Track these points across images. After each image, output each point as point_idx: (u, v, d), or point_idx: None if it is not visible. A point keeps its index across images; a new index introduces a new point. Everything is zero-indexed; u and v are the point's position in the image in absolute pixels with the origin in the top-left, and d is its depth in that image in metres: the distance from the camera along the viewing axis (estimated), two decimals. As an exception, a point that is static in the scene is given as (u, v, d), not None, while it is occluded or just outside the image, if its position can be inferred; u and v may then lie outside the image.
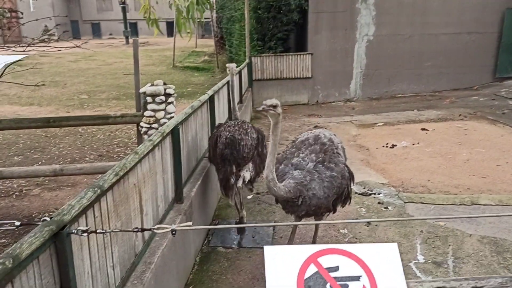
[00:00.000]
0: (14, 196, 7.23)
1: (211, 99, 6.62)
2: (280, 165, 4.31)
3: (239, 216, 5.73)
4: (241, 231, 5.73)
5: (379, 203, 6.54)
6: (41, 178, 7.69)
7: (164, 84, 6.72)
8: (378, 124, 11.33)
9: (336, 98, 14.80)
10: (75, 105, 14.81)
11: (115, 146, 10.06)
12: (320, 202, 4.12)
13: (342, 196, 4.44)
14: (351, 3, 14.27)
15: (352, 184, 4.55)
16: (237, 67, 8.46)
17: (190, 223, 2.26)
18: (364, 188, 7.13)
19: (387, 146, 9.30)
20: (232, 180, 5.30)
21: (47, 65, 24.56)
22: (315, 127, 11.30)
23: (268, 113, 3.70)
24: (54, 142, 10.46)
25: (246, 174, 5.33)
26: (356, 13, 14.35)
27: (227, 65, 6.52)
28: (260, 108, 3.70)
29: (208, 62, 26.20)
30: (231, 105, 6.37)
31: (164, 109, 6.69)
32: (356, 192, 6.95)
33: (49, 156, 9.33)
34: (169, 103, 6.73)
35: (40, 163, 8.85)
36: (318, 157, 4.21)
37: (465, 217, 2.76)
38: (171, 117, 6.77)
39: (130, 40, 41.97)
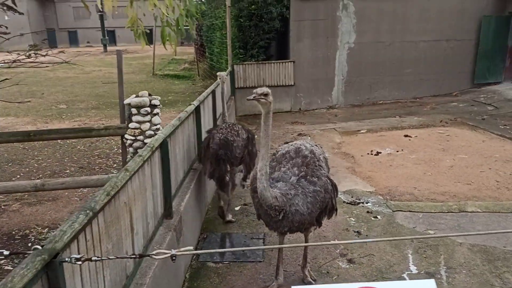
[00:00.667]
0: (-8, 212, 6.97)
1: (197, 110, 6.54)
2: None
3: (223, 218, 6.32)
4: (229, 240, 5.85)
5: (368, 212, 6.52)
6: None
7: (149, 95, 6.61)
8: (362, 131, 11.39)
9: (319, 105, 14.84)
10: (53, 115, 14.48)
11: (96, 157, 9.84)
12: (303, 218, 3.99)
13: (327, 210, 4.36)
14: (332, 11, 14.37)
15: (336, 196, 4.48)
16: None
17: (191, 248, 2.15)
18: (352, 197, 7.11)
19: (371, 154, 9.34)
20: (227, 178, 5.88)
21: (23, 74, 24.03)
22: (299, 135, 11.29)
23: (259, 102, 3.68)
24: (33, 154, 10.17)
25: (238, 174, 6.01)
26: (337, 21, 14.44)
27: (218, 73, 7.07)
28: (251, 97, 3.65)
29: (189, 70, 26.06)
30: (222, 110, 6.84)
31: (150, 121, 6.57)
32: (344, 201, 6.93)
33: (27, 169, 9.05)
34: (155, 114, 6.61)
35: (18, 176, 8.57)
36: (301, 171, 4.14)
37: (475, 234, 2.72)
38: (157, 129, 6.64)
39: (108, 48, 41.48)
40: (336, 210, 4.58)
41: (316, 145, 4.88)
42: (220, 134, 5.84)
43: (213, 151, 5.73)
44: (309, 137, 11.04)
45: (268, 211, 3.97)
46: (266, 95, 3.69)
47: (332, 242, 2.98)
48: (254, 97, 3.65)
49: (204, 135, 6.65)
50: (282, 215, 3.92)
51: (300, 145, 4.55)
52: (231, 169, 5.88)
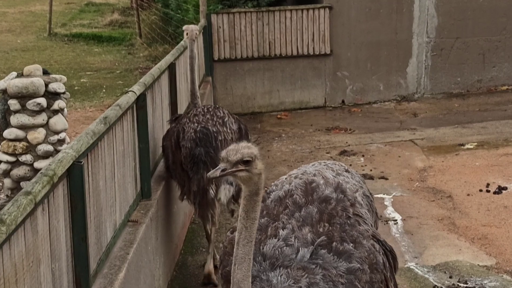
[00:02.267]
0: None
1: (140, 103, 6.56)
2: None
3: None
4: None
5: (483, 307, 6.52)
6: None
7: (45, 73, 6.61)
8: (467, 146, 11.43)
9: (381, 94, 14.93)
10: None
11: None
12: None
13: None
14: None
15: (394, 271, 4.56)
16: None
17: None
18: (450, 277, 7.10)
19: (488, 191, 9.35)
20: (212, 193, 6.39)
21: None
22: (341, 153, 11.30)
23: (236, 178, 3.62)
24: None
25: (226, 188, 6.47)
26: None
27: (185, 27, 7.79)
28: (216, 174, 3.52)
29: (120, 26, 26.29)
30: (191, 87, 7.49)
31: (46, 125, 6.69)
32: (435, 286, 6.91)
33: None
34: (56, 112, 6.70)
35: None
36: (318, 232, 4.11)
37: None
38: (60, 141, 6.64)
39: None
40: None
41: (346, 170, 4.89)
42: (195, 124, 6.42)
43: (186, 152, 6.24)
44: (362, 158, 11.03)
45: None
46: (247, 162, 3.62)
47: None
48: (223, 170, 3.56)
49: (153, 148, 6.81)
50: None
51: (315, 175, 4.59)
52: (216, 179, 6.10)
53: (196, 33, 7.60)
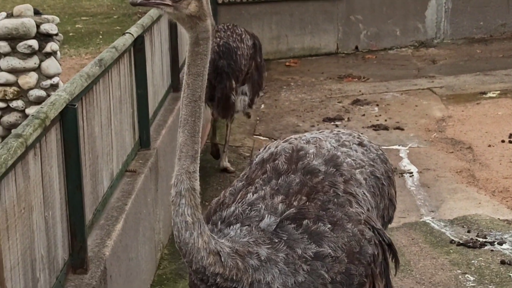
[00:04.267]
0: None
1: (138, 46, 6.57)
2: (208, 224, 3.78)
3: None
4: None
5: (502, 262, 6.55)
6: None
7: (37, 13, 6.62)
8: (490, 95, 11.46)
9: (397, 40, 14.91)
10: None
11: None
12: None
13: None
14: None
15: (396, 268, 4.32)
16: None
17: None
18: (468, 231, 7.14)
19: (510, 142, 9.42)
20: (233, 97, 7.87)
21: None
22: (354, 102, 11.32)
23: (168, 14, 3.37)
24: None
25: (245, 90, 8.15)
26: None
27: None
28: (137, 0, 3.32)
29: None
30: None
31: (38, 68, 6.70)
32: (452, 241, 6.94)
33: None
34: (48, 54, 6.71)
35: None
36: (291, 204, 3.81)
37: None
38: (53, 85, 6.67)
39: None
40: None
41: (358, 144, 4.54)
42: (218, 39, 7.69)
43: (210, 63, 6.85)
44: (376, 107, 11.05)
45: (197, 283, 3.72)
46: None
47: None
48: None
49: (152, 95, 7.00)
50: None
51: (309, 141, 4.34)
52: (236, 86, 7.94)
53: None
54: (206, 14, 3.45)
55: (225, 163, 8.30)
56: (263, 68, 8.38)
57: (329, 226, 3.75)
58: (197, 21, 3.44)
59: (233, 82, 7.77)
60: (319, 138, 4.37)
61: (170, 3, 3.34)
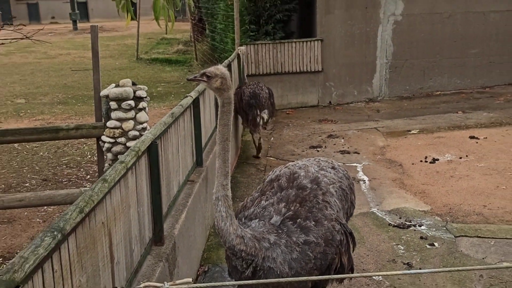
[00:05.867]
0: None
1: (195, 104, 6.59)
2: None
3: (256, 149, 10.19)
4: None
5: (421, 238, 6.51)
6: (-33, 212, 7.54)
7: (133, 84, 6.67)
8: (412, 132, 11.41)
9: (355, 97, 14.84)
10: (8, 112, 14.68)
11: (64, 166, 9.95)
12: (283, 284, 3.78)
13: (331, 271, 4.03)
14: (372, -27, 14.37)
15: (350, 249, 4.21)
16: (225, 59, 9.80)
17: (190, 279, 2.17)
18: (400, 218, 7.12)
19: (426, 161, 9.34)
20: (258, 119, 9.64)
21: (-31, 59, 24.43)
22: (329, 136, 11.34)
23: (207, 86, 3.53)
24: (-18, 162, 10.32)
25: (264, 115, 9.79)
26: (379, -14, 14.44)
27: (238, 48, 11.08)
28: (191, 77, 3.53)
29: (183, 53, 26.22)
30: (242, 77, 10.69)
31: (134, 118, 6.64)
32: (390, 224, 6.94)
33: (-25, 182, 9.19)
34: (140, 109, 6.66)
35: (-36, 191, 8.71)
36: (289, 209, 3.91)
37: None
38: (143, 129, 6.70)
39: (79, 25, 41.96)
40: (352, 270, 4.30)
41: (332, 167, 4.62)
42: (250, 89, 9.72)
43: (245, 102, 9.55)
44: (342, 139, 11.07)
45: (233, 259, 3.72)
46: (208, 77, 3.48)
47: (371, 273, 2.83)
48: (195, 77, 3.51)
49: (204, 134, 7.02)
50: (251, 270, 3.65)
51: (300, 168, 4.37)
52: (259, 113, 9.64)
53: (244, 50, 11.26)
54: (228, 88, 3.56)
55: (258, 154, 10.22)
56: (274, 104, 9.93)
57: (313, 223, 3.88)
58: (222, 92, 3.54)
59: (258, 111, 9.25)
60: (307, 165, 4.44)
61: (206, 80, 3.50)
